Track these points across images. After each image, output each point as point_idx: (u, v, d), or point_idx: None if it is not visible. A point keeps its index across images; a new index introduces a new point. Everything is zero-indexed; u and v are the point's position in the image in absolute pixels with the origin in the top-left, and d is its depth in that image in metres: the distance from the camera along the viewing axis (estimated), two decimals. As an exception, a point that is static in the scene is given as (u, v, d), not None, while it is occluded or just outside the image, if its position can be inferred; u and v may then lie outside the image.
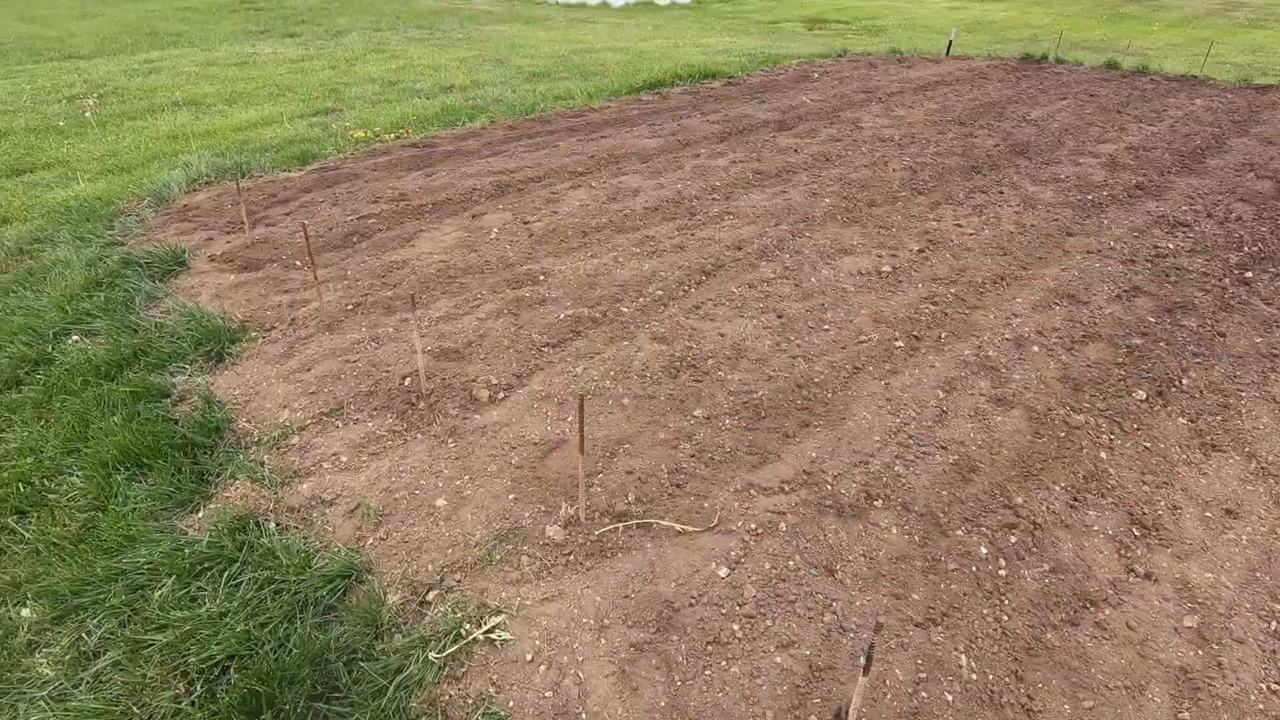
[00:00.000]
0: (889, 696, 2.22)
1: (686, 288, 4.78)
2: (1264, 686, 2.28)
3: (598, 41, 16.62)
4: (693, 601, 2.55)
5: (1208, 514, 2.99)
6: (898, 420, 3.47)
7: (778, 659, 2.33)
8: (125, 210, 6.21)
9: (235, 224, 5.74)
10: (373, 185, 6.59)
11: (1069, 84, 11.66)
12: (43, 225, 5.86)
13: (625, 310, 4.46)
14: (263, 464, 3.28)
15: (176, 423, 3.50)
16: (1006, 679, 2.28)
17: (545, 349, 4.07)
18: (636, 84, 10.86)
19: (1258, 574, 2.71)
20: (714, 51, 14.62)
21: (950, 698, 2.21)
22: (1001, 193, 6.63)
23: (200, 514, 3.04)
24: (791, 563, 2.68)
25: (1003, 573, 2.65)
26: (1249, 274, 5.14)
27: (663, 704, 2.22)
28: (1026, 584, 2.61)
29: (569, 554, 2.78)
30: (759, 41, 16.99)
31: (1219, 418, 3.59)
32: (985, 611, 2.50)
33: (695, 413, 3.53)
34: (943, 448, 3.30)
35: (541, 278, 4.88)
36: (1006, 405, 3.63)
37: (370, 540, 2.87)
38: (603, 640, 2.44)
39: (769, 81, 11.44)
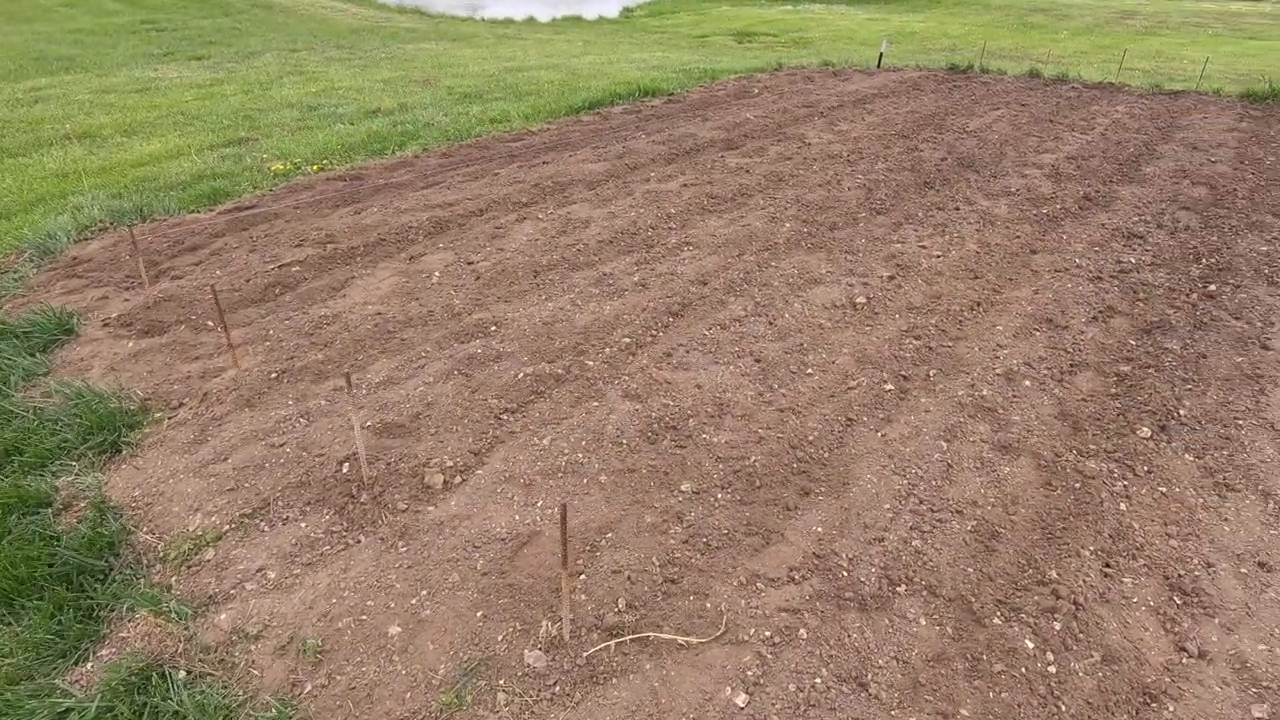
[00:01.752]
0: None
1: (654, 332, 4.39)
2: (1358, 791, 2.04)
3: (529, 59, 16.18)
4: (711, 743, 2.14)
5: (1243, 569, 2.78)
6: (905, 482, 3.16)
7: (824, 820, 1.94)
8: (1, 266, 5.40)
9: (134, 278, 5.03)
10: (295, 226, 5.96)
11: (999, 94, 11.90)
12: (-104, 290, 5.02)
13: (590, 364, 4.03)
14: (169, 589, 2.71)
15: (59, 541, 2.87)
16: (1086, 815, 1.96)
17: (504, 416, 3.60)
18: (575, 104, 10.46)
19: (1310, 640, 2.49)
20: (650, 67, 14.39)
21: None
22: (958, 209, 6.52)
23: (90, 664, 2.45)
24: (819, 680, 2.30)
25: (1052, 669, 2.35)
26: (1212, 287, 5.12)
27: None
28: (1081, 681, 2.31)
29: (554, 685, 2.33)
30: (692, 56, 16.89)
31: (1225, 452, 3.42)
32: (1044, 723, 2.18)
33: (683, 487, 3.13)
34: (958, 512, 3.00)
35: (493, 328, 4.41)
36: (1013, 453, 3.37)
37: (309, 687, 2.35)
38: (607, 805, 2.01)
39: (709, 98, 11.24)
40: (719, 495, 3.09)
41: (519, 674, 2.36)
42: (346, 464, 3.26)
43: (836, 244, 5.70)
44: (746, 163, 7.81)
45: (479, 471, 3.23)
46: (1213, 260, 5.56)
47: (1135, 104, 11.33)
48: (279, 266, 5.22)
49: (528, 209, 6.39)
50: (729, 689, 2.28)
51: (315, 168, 7.61)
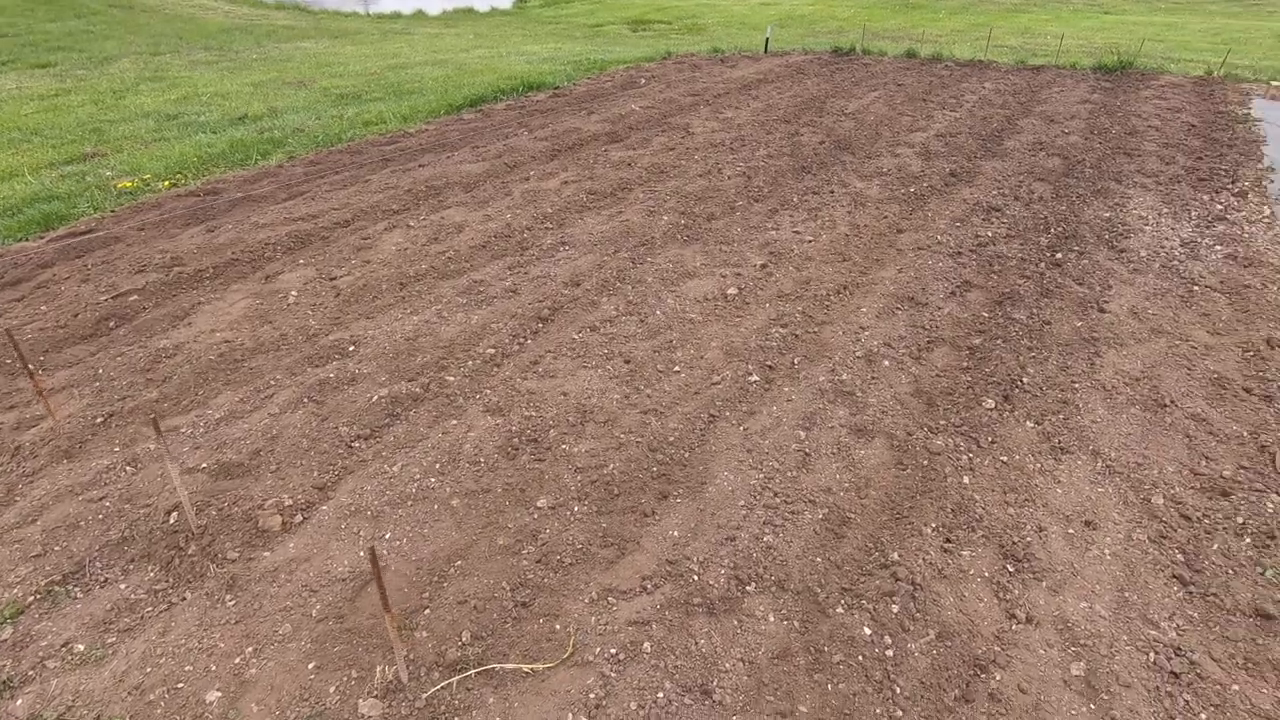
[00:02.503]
0: None
1: (522, 340, 4.26)
2: (1158, 737, 2.17)
3: (415, 55, 15.59)
4: (548, 776, 2.07)
5: (1070, 530, 2.93)
6: (761, 476, 3.17)
7: (655, 844, 1.91)
8: None
9: (-59, 322, 4.51)
10: (138, 250, 5.49)
11: (878, 75, 12.30)
12: None
13: (451, 379, 3.87)
14: (-43, 679, 2.41)
15: None
16: (912, 798, 2.00)
17: (356, 444, 3.41)
18: (457, 101, 10.13)
19: (1124, 593, 2.64)
20: (539, 60, 14.12)
21: None
22: (832, 192, 6.67)
23: None
24: (661, 694, 2.26)
25: (890, 653, 2.39)
26: (1059, 255, 5.42)
27: None
28: (915, 661, 2.37)
29: (391, 733, 2.20)
30: (584, 47, 16.69)
31: (1061, 416, 3.61)
32: (879, 711, 2.22)
33: (539, 503, 3.04)
34: (811, 501, 3.03)
35: (351, 348, 4.18)
36: (868, 436, 3.45)
37: (114, 772, 2.14)
38: None
39: (596, 90, 11.12)
40: (576, 508, 3.02)
41: (352, 727, 2.22)
42: (174, 513, 3.00)
43: (713, 235, 5.72)
44: (629, 155, 7.75)
45: (323, 508, 3.04)
46: (1061, 229, 5.89)
47: (1001, 80, 11.92)
48: (114, 297, 4.79)
49: (399, 216, 6.12)
50: (570, 716, 2.22)
51: (167, 184, 7.05)
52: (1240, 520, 2.98)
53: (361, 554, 2.81)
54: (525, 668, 2.37)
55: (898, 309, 4.65)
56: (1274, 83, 11.61)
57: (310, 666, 2.39)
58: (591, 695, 2.27)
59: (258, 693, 2.32)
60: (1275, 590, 2.66)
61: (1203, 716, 2.22)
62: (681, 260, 5.28)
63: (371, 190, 6.71)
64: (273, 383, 3.88)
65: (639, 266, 5.18)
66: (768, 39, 15.00)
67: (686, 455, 3.31)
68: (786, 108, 9.90)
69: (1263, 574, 2.73)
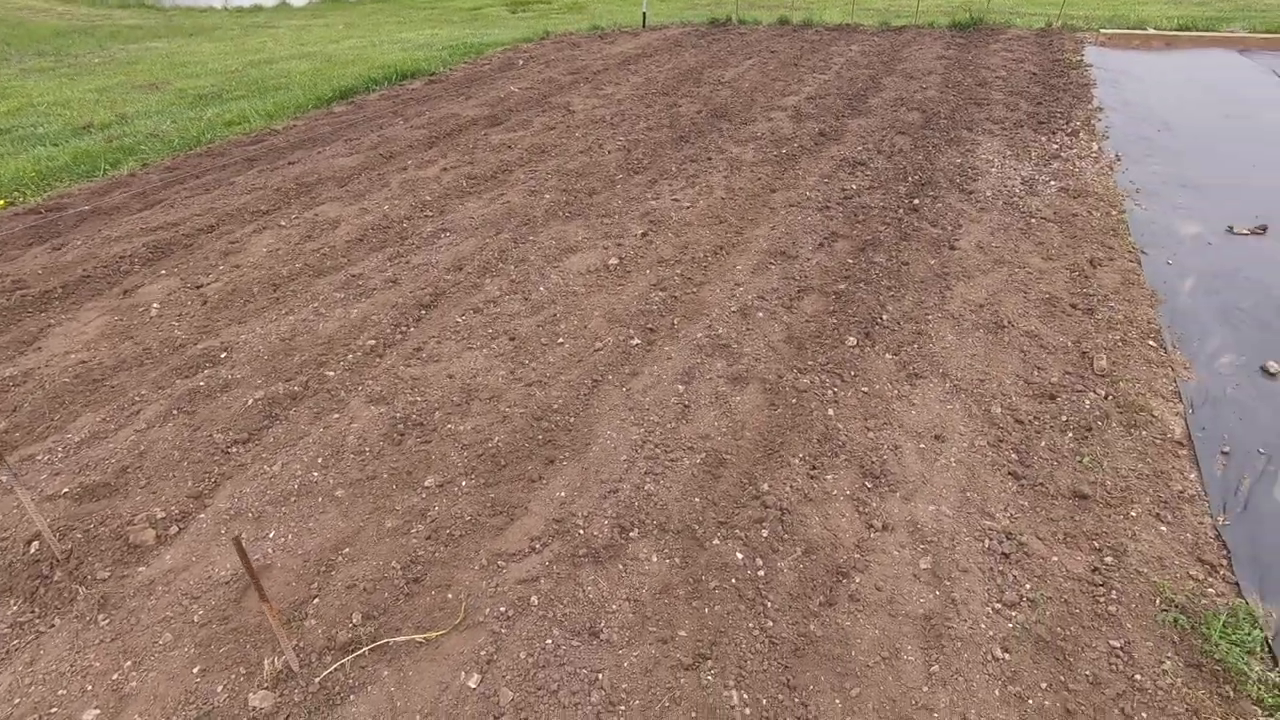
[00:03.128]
0: (669, 769, 2.02)
1: (404, 328, 4.23)
2: (990, 610, 2.45)
3: (280, 50, 14.77)
4: (443, 732, 2.15)
5: (922, 445, 3.22)
6: (642, 431, 3.31)
7: (545, 774, 2.02)
8: None
9: None
10: (-28, 276, 5.05)
11: (752, 43, 12.62)
12: None
13: (331, 374, 3.81)
14: None
15: None
16: (779, 695, 2.20)
17: (233, 449, 3.32)
18: (326, 95, 9.72)
19: (967, 493, 2.95)
20: (414, 47, 13.68)
21: (728, 747, 2.07)
22: (710, 159, 6.87)
23: None
24: (550, 640, 2.38)
25: (761, 573, 2.59)
26: (916, 201, 5.81)
27: None
28: (784, 577, 2.58)
29: (285, 720, 2.22)
30: (461, 31, 16.27)
31: (915, 346, 3.93)
32: (751, 625, 2.41)
33: (427, 483, 3.08)
34: (690, 449, 3.20)
35: (223, 355, 4.03)
36: (742, 382, 3.65)
37: (-13, 806, 2.06)
38: (339, 827, 1.96)
39: (474, 74, 10.91)
40: (464, 483, 3.07)
41: (244, 720, 2.22)
42: (35, 542, 2.85)
43: (594, 209, 5.80)
44: (510, 138, 7.70)
45: (200, 516, 2.97)
46: (918, 177, 6.31)
47: (867, 42, 12.49)
48: (-52, 328, 4.41)
49: (269, 217, 5.87)
50: (463, 674, 2.30)
51: (2, 203, 6.47)
52: (1064, 418, 3.36)
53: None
54: (419, 637, 2.42)
55: (771, 264, 4.88)
56: (1104, 30, 12.69)
57: (195, 671, 2.36)
58: (483, 653, 2.35)
59: (139, 704, 2.27)
60: (1090, 474, 3.03)
61: (1027, 586, 2.53)
62: (564, 236, 5.34)
63: (237, 192, 6.40)
64: (138, 398, 3.70)
65: (521, 246, 5.21)
66: (644, 13, 15.08)
67: (571, 420, 3.41)
68: (665, 80, 10.04)
69: (1081, 461, 3.10)
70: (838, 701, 2.19)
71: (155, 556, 2.79)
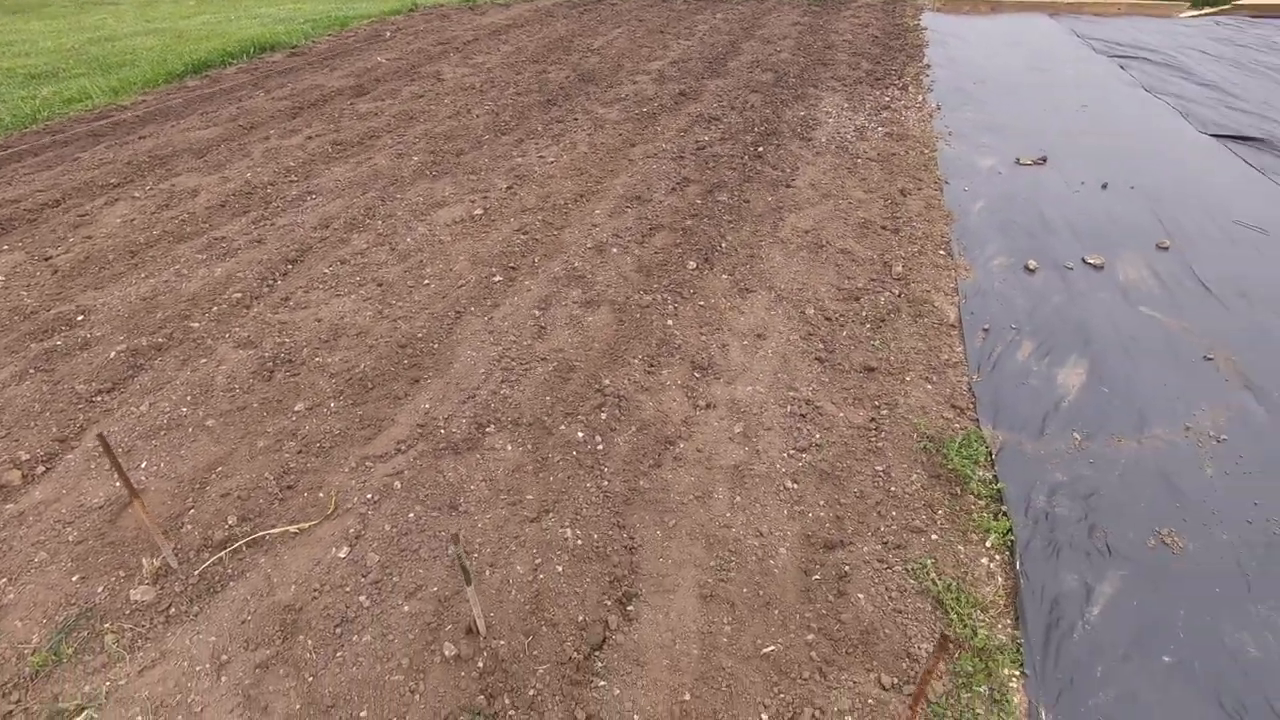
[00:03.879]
0: (513, 591, 2.41)
1: (271, 282, 4.36)
2: (785, 455, 2.98)
3: (123, 27, 13.78)
4: (316, 594, 2.44)
5: (746, 343, 3.74)
6: (500, 349, 3.66)
7: (406, 608, 2.36)
8: None
9: None
10: None
11: (622, 13, 12.96)
12: None
13: (197, 325, 3.92)
14: None
15: None
16: (610, 531, 2.63)
17: (98, 398, 3.41)
18: (178, 69, 9.30)
19: (779, 375, 3.48)
20: (274, 21, 13.12)
21: (561, 568, 2.48)
22: (576, 119, 7.20)
23: None
24: (412, 515, 2.71)
25: (600, 447, 3.02)
26: (761, 149, 6.38)
27: (297, 708, 2.12)
28: (619, 449, 3.01)
29: (167, 608, 2.44)
30: (325, 5, 15.67)
31: (748, 267, 4.46)
32: (589, 485, 2.83)
33: (296, 408, 3.30)
34: (543, 359, 3.58)
35: (79, 318, 4.03)
36: (594, 305, 4.05)
37: None
38: (223, 677, 2.23)
39: (339, 47, 10.69)
40: (333, 405, 3.32)
41: (127, 612, 2.43)
42: (-109, 495, 2.88)
43: (461, 168, 6.02)
44: (377, 106, 7.72)
45: (68, 456, 3.07)
46: (765, 129, 6.89)
47: (731, 10, 13.09)
48: None
49: (120, 189, 5.73)
50: (334, 550, 2.59)
51: None
52: (864, 313, 3.97)
53: (117, 484, 2.92)
54: (292, 528, 2.69)
55: (627, 208, 5.30)
56: (940, -2, 13.84)
57: (74, 579, 2.53)
58: (351, 531, 2.65)
59: (20, 611, 2.43)
60: (879, 353, 3.64)
61: (817, 436, 3.08)
62: (431, 193, 5.54)
63: (83, 167, 6.16)
64: (-10, 363, 3.68)
65: (389, 203, 5.38)
66: (517, -15, 15.07)
67: (435, 346, 3.71)
68: (536, 49, 10.23)
69: (873, 345, 3.71)
70: (658, 532, 2.64)
71: (23, 495, 2.89)
